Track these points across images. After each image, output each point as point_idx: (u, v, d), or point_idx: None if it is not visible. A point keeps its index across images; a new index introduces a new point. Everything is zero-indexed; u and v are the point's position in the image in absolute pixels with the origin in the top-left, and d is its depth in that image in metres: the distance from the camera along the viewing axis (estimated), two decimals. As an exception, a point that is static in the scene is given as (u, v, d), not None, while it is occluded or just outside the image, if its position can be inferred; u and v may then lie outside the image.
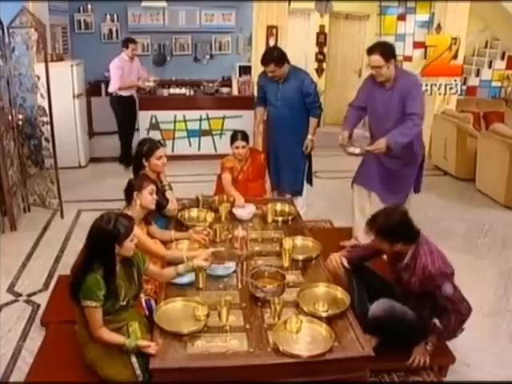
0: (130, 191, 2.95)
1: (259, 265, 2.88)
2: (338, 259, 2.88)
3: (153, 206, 3.00)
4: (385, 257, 2.95)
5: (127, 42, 6.49)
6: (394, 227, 2.58)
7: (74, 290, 2.31)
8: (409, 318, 2.66)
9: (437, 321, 2.68)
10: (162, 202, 3.34)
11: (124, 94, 6.47)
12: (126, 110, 6.54)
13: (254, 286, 2.54)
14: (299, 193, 4.63)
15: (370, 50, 3.65)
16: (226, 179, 4.09)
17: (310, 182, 4.74)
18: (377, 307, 2.65)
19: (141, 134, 6.80)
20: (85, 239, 2.38)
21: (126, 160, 6.34)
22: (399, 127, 3.61)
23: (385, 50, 3.62)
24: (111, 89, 6.48)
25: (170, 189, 3.61)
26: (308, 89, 4.32)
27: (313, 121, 4.43)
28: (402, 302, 2.74)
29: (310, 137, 4.44)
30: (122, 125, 6.66)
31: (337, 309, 2.46)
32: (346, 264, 2.86)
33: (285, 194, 4.57)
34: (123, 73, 6.41)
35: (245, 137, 4.16)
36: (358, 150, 3.79)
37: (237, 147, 4.14)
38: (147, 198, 2.95)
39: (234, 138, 4.16)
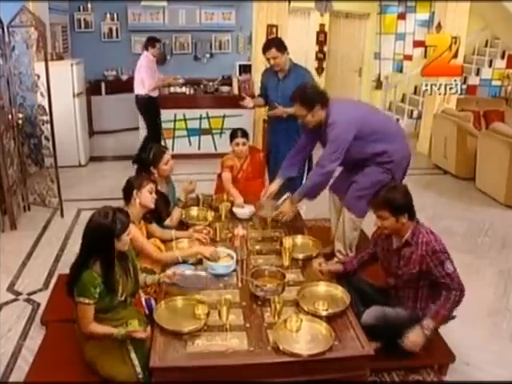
0: (128, 190, 2.96)
1: (259, 264, 2.88)
2: (317, 265, 2.84)
3: (152, 205, 3.00)
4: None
5: (154, 42, 6.29)
6: (400, 198, 2.63)
7: (70, 285, 2.32)
8: (402, 320, 2.63)
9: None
10: (161, 214, 3.33)
11: (153, 94, 6.33)
12: (155, 110, 6.43)
13: (254, 284, 2.55)
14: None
15: (291, 100, 3.45)
16: (225, 177, 4.12)
17: None
18: (368, 316, 2.63)
19: (140, 133, 6.80)
20: (82, 235, 2.38)
21: None
22: (310, 173, 3.48)
23: (304, 100, 3.32)
24: (144, 90, 6.19)
25: (181, 205, 3.56)
26: None
27: None
28: (396, 298, 2.74)
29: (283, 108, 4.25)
30: (153, 125, 6.47)
31: (337, 307, 2.47)
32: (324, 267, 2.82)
33: (285, 192, 4.56)
34: (152, 72, 6.28)
35: (244, 134, 4.18)
36: (269, 214, 3.45)
37: (237, 144, 4.14)
38: (147, 196, 2.95)
39: (233, 136, 4.17)
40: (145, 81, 6.17)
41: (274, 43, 4.32)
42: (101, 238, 2.31)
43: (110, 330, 2.31)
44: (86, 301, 2.26)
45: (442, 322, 2.63)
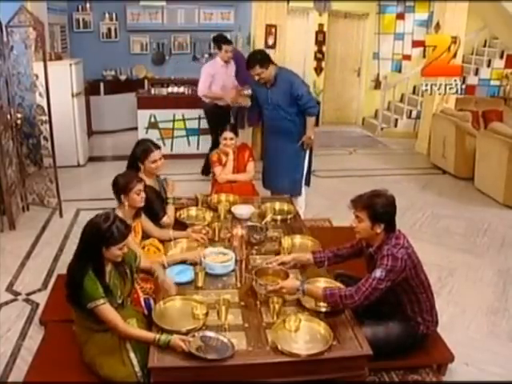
0: (116, 191, 2.98)
1: (258, 264, 2.89)
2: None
3: (142, 204, 3.02)
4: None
5: (219, 43, 5.45)
6: (383, 207, 2.51)
7: (73, 295, 2.31)
8: (394, 333, 2.58)
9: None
10: (158, 213, 3.33)
11: (220, 102, 5.58)
12: (220, 120, 5.27)
13: (258, 283, 2.52)
14: (298, 194, 4.60)
15: None
16: (217, 171, 4.27)
17: (307, 182, 4.72)
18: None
19: (139, 132, 6.79)
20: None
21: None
22: None
23: None
24: (199, 93, 5.70)
25: (174, 203, 3.54)
26: (298, 91, 4.23)
27: (309, 120, 4.37)
28: (388, 304, 2.63)
29: (306, 135, 4.38)
30: (214, 134, 5.64)
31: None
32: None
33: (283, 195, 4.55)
34: (214, 80, 5.49)
35: (233, 128, 4.34)
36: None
37: (224, 138, 4.27)
38: (135, 199, 2.96)
39: (222, 130, 4.33)
40: (199, 84, 5.57)
41: (256, 60, 4.21)
42: (92, 240, 2.31)
43: (150, 335, 2.21)
44: (101, 301, 2.25)
45: (324, 301, 2.44)
